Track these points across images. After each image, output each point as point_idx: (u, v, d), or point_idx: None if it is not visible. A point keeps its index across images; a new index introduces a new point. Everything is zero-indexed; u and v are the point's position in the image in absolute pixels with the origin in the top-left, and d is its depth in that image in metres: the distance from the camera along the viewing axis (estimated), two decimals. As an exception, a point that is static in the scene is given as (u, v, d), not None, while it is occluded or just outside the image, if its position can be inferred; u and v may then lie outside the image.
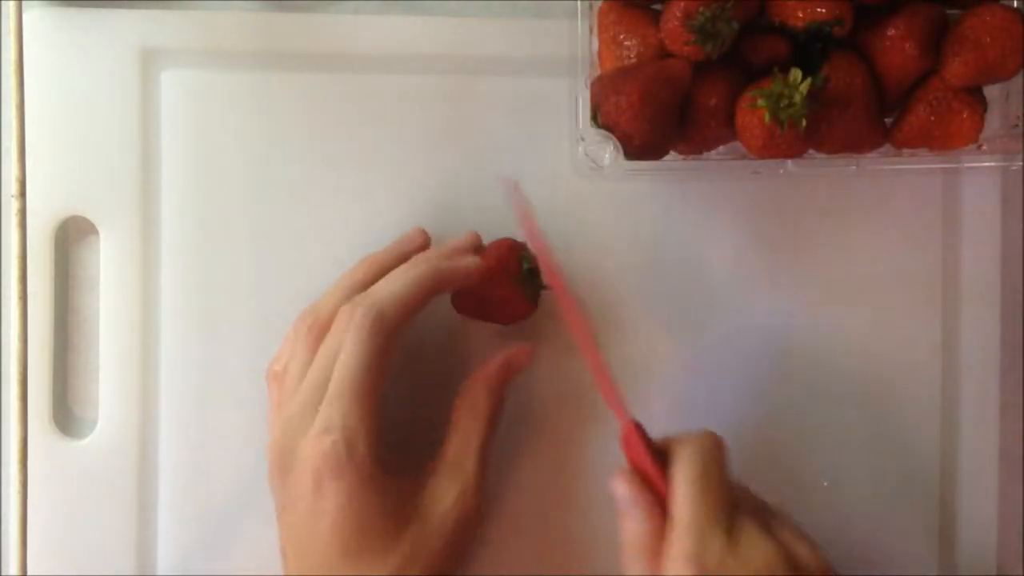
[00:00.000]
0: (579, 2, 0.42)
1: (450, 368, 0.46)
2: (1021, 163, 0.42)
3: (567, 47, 0.44)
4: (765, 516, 0.39)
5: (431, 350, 0.47)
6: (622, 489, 0.39)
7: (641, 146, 0.40)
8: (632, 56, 0.41)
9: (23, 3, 0.45)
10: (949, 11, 0.42)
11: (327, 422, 0.38)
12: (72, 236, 0.46)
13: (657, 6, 0.42)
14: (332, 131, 0.47)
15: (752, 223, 0.48)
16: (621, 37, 0.42)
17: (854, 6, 0.40)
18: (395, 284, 0.41)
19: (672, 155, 0.42)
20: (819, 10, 0.39)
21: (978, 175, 0.48)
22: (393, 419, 0.42)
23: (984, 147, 0.42)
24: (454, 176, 0.47)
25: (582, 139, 0.41)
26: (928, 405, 0.49)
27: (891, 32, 0.40)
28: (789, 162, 0.42)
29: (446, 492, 0.40)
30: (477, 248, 0.44)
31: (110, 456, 0.46)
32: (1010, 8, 0.40)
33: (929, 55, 0.41)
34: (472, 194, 0.47)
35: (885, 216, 0.49)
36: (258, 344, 0.46)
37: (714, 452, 0.38)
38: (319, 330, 0.41)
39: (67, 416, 0.46)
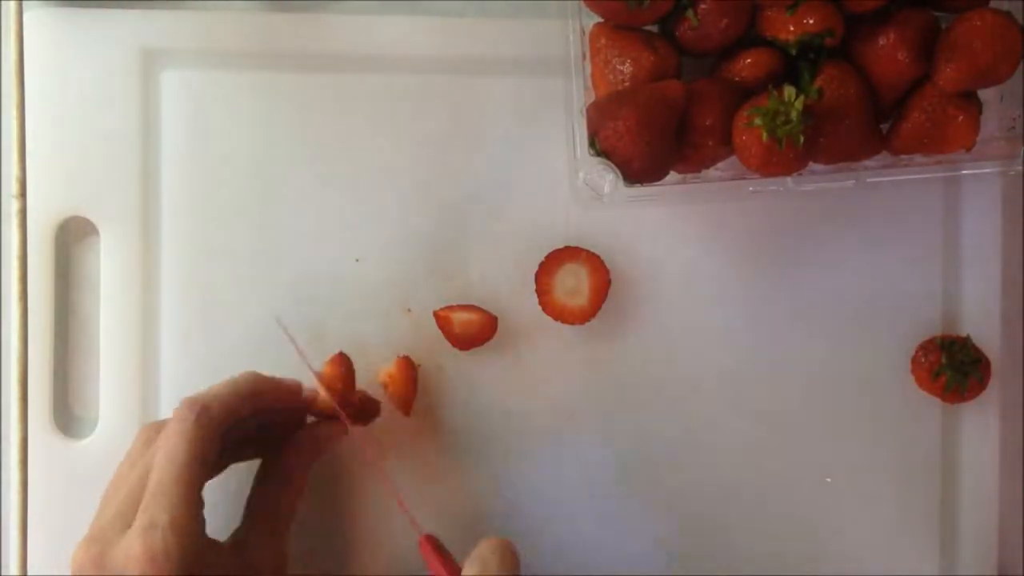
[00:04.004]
0: (570, 31, 0.44)
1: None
2: (1021, 167, 0.44)
3: (565, 48, 0.45)
4: None
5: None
6: None
7: (641, 170, 0.41)
8: (626, 79, 0.43)
9: (23, 3, 0.47)
10: (938, 13, 0.43)
11: (151, 518, 0.38)
12: (72, 236, 0.48)
13: (648, 27, 0.44)
14: (331, 131, 0.49)
15: (753, 235, 0.50)
16: (614, 61, 0.43)
17: (844, 16, 0.42)
18: (218, 385, 0.43)
19: (671, 176, 0.44)
20: (809, 22, 0.41)
21: (978, 178, 0.50)
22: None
23: (980, 150, 0.44)
24: (454, 176, 0.49)
25: (580, 168, 0.42)
26: (929, 406, 0.51)
27: (882, 41, 0.42)
28: (788, 179, 0.43)
29: (264, 562, 0.42)
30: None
31: (110, 456, 0.47)
32: (1001, 12, 0.41)
33: (921, 62, 0.42)
34: (472, 194, 0.49)
35: (886, 222, 0.51)
36: (257, 344, 0.48)
37: (500, 557, 0.39)
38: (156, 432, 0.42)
39: (67, 416, 0.48)
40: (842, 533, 0.51)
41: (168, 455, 0.40)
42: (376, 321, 0.49)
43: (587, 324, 0.49)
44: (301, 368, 0.46)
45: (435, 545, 0.42)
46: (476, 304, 0.48)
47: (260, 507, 0.44)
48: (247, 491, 0.45)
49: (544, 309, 0.48)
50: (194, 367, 0.48)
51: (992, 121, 0.45)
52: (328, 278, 0.49)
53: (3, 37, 0.47)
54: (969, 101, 0.43)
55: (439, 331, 0.48)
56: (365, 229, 0.49)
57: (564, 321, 0.48)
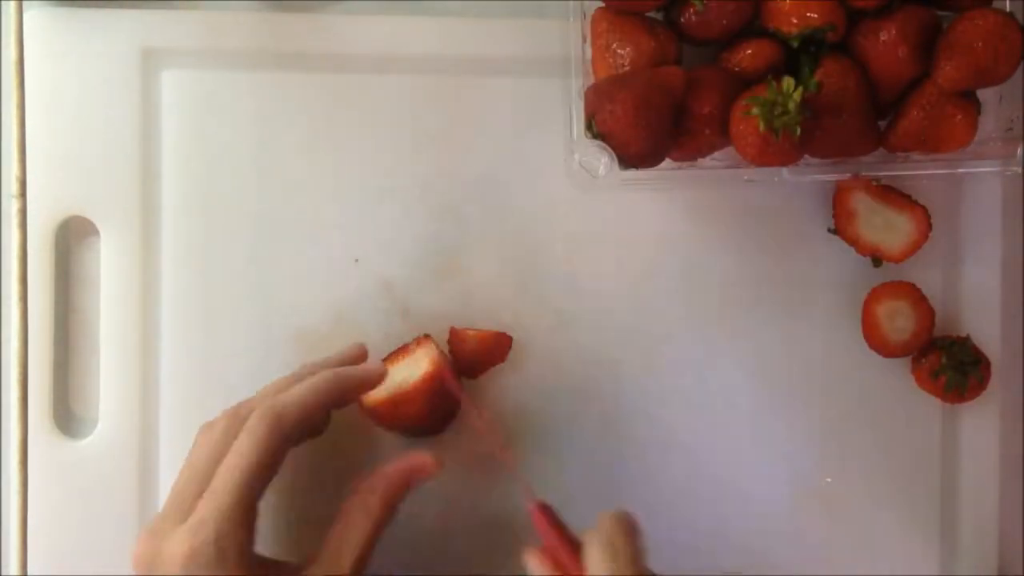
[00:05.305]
0: (571, 13, 0.44)
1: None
2: (1019, 168, 0.44)
3: (565, 48, 0.46)
4: None
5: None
6: (532, 564, 0.41)
7: (636, 155, 0.42)
8: (626, 64, 0.43)
9: (23, 3, 0.47)
10: (941, 13, 0.44)
11: (200, 518, 0.39)
12: (72, 236, 0.48)
13: (650, 13, 0.44)
14: (331, 131, 0.49)
15: (750, 233, 0.51)
16: (614, 45, 0.43)
17: (846, 10, 0.42)
18: (294, 391, 0.42)
19: (667, 162, 0.44)
20: (812, 16, 0.41)
21: (977, 178, 0.50)
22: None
23: (978, 150, 0.44)
24: (454, 176, 0.49)
25: (576, 150, 0.42)
26: (929, 405, 0.51)
27: (884, 37, 0.42)
28: (784, 170, 0.44)
29: None
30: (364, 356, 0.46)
31: (110, 456, 0.48)
32: (1003, 12, 0.41)
33: (922, 59, 0.42)
34: (471, 194, 0.49)
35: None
36: (258, 343, 0.48)
37: (622, 531, 0.39)
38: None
39: (67, 416, 0.48)
40: (842, 533, 0.51)
41: (235, 463, 0.40)
42: (376, 321, 0.49)
43: (584, 316, 0.49)
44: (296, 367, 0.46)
45: (549, 514, 0.42)
46: (476, 305, 0.49)
47: (333, 533, 0.42)
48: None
49: (869, 341, 0.50)
50: (194, 367, 0.48)
51: (990, 121, 0.45)
52: (328, 278, 0.49)
53: (3, 37, 0.47)
54: (968, 101, 0.43)
55: (439, 331, 0.48)
56: (365, 229, 0.49)
57: (885, 354, 0.50)
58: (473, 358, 0.48)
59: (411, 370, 0.46)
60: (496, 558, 0.48)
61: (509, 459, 0.44)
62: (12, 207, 0.47)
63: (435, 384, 0.45)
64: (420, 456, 0.43)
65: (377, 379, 0.45)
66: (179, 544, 0.38)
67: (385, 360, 0.47)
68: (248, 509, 0.40)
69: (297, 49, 0.49)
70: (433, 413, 0.47)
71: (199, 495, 0.40)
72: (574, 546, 0.40)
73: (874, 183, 0.47)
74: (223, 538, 0.38)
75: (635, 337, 0.50)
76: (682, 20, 0.44)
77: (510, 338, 0.49)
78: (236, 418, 0.42)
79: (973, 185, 0.51)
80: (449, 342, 0.48)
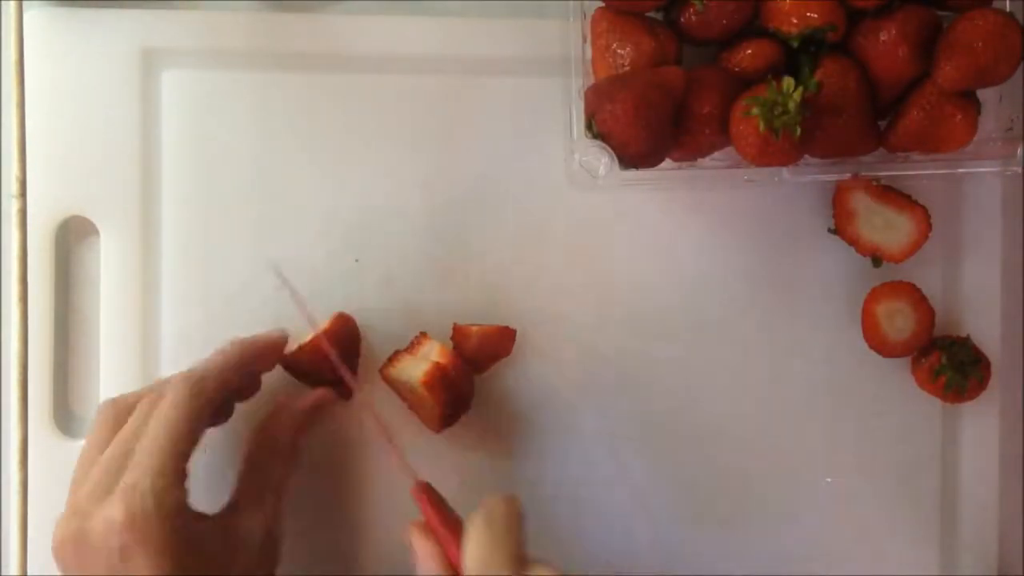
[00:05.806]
0: (571, 13, 0.44)
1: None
2: (1019, 167, 0.44)
3: (565, 48, 0.46)
4: None
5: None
6: (414, 540, 0.41)
7: (636, 154, 0.42)
8: (626, 64, 0.43)
9: (23, 3, 0.47)
10: (941, 13, 0.44)
11: (131, 483, 0.38)
12: (72, 236, 0.48)
13: (650, 13, 0.44)
14: (331, 131, 0.49)
15: (749, 230, 0.51)
16: (614, 45, 0.43)
17: (847, 10, 0.42)
18: (210, 359, 0.43)
19: (667, 162, 0.44)
20: (812, 16, 0.41)
21: (977, 178, 0.51)
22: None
23: (978, 150, 0.44)
24: (454, 176, 0.49)
25: (576, 150, 0.42)
26: (929, 406, 0.51)
27: (884, 37, 0.42)
28: (784, 170, 0.44)
29: (253, 531, 0.41)
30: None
31: (110, 456, 0.48)
32: (1003, 12, 0.42)
33: (922, 59, 0.42)
34: (471, 193, 0.49)
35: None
36: (258, 344, 0.48)
37: (503, 509, 0.39)
38: (123, 410, 0.42)
39: (67, 416, 0.48)
40: (842, 533, 0.51)
41: (161, 425, 0.40)
42: (376, 321, 0.49)
43: (585, 316, 0.49)
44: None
45: (430, 493, 0.42)
46: (476, 305, 0.49)
47: (248, 475, 0.43)
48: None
49: (869, 342, 0.50)
50: (194, 367, 0.48)
51: (990, 121, 0.45)
52: (328, 278, 0.49)
53: (3, 37, 0.47)
54: (968, 100, 0.43)
55: (439, 331, 0.48)
56: (365, 229, 0.49)
57: (885, 354, 0.50)
58: (477, 353, 0.48)
59: (420, 366, 0.46)
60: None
61: (392, 444, 0.44)
62: (12, 207, 0.47)
63: (451, 372, 0.46)
64: (320, 391, 0.46)
65: (279, 344, 0.46)
66: (114, 511, 0.38)
67: (386, 360, 0.47)
68: (176, 470, 0.39)
69: (297, 49, 0.49)
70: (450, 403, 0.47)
71: (121, 470, 0.39)
72: (456, 524, 0.41)
73: (874, 183, 0.47)
74: (160, 493, 0.38)
75: (634, 336, 0.50)
76: (682, 20, 0.44)
77: (514, 331, 0.49)
78: (114, 409, 0.42)
79: (973, 185, 0.51)
80: (452, 339, 0.48)
